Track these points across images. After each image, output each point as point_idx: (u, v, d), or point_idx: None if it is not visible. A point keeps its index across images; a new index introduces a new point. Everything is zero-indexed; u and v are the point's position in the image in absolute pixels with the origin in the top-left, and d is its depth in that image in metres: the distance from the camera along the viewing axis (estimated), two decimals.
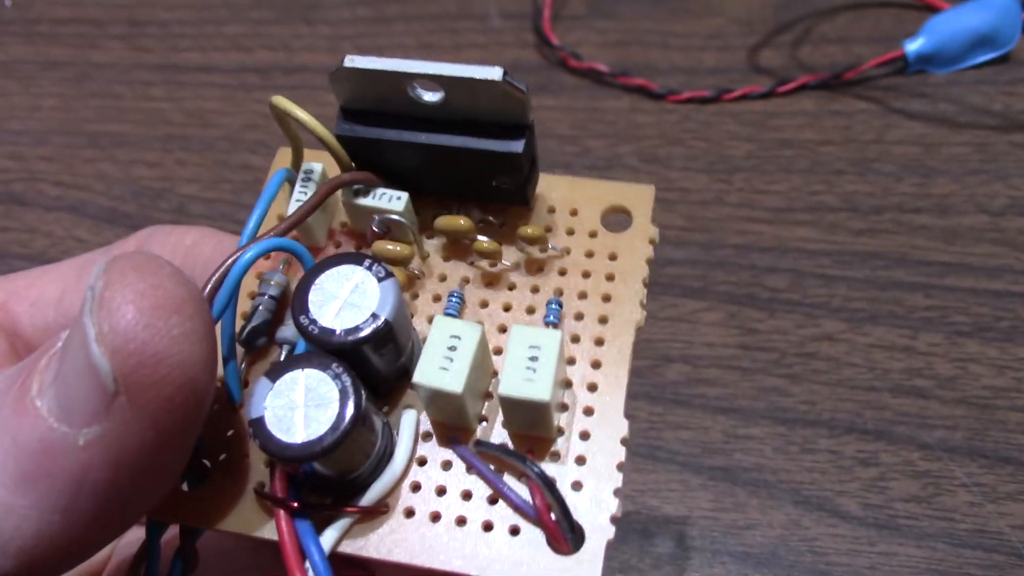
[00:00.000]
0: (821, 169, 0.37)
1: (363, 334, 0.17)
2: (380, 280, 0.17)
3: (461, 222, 0.20)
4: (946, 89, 0.40)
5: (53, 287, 0.22)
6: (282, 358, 0.19)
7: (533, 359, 0.17)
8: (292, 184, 0.21)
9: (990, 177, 0.36)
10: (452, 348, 0.17)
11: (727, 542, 0.28)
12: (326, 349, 0.17)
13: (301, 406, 0.16)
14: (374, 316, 0.17)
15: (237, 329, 0.19)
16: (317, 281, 0.17)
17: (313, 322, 0.17)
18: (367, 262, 0.17)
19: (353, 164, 0.20)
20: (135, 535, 0.18)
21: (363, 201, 0.20)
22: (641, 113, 0.40)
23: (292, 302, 0.17)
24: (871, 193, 0.36)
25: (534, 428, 0.18)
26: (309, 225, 0.20)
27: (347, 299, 0.17)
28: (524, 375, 0.17)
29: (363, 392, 0.16)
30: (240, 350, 0.20)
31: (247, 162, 0.39)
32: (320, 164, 0.21)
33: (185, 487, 0.18)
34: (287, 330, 0.19)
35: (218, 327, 0.17)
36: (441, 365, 0.17)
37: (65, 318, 0.22)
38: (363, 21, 0.45)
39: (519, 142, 0.19)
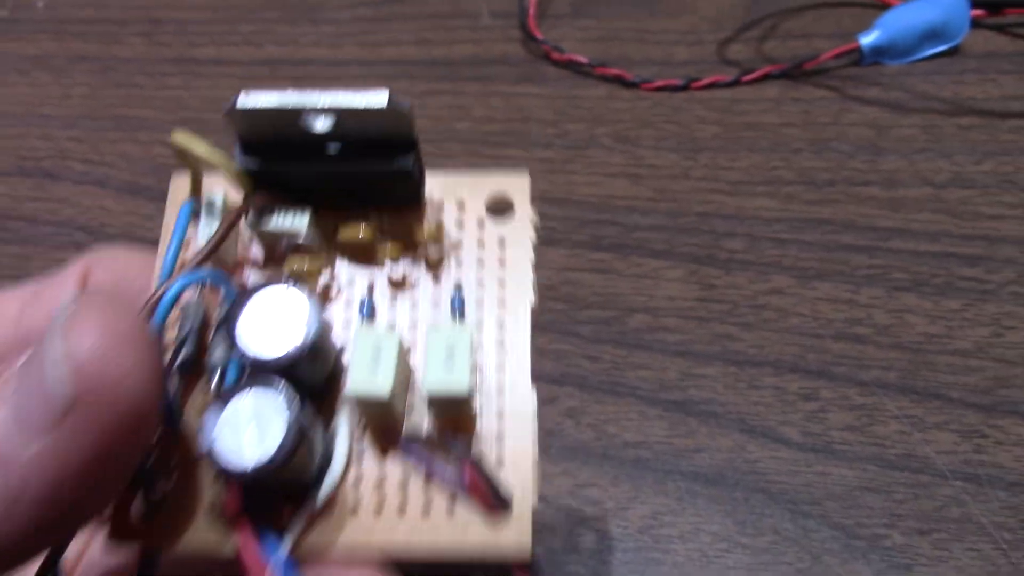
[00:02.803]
0: (781, 148, 0.41)
1: (294, 352, 0.18)
2: (301, 299, 0.18)
3: (360, 234, 0.21)
4: (899, 79, 0.43)
5: (11, 304, 0.23)
6: (213, 383, 0.20)
7: (449, 356, 0.19)
8: (196, 214, 0.22)
9: (936, 155, 0.40)
10: (376, 357, 0.19)
11: (679, 463, 0.31)
12: (264, 371, 0.18)
13: (249, 428, 0.17)
14: (301, 334, 0.18)
15: (168, 356, 0.20)
16: (244, 308, 0.18)
17: (246, 347, 0.18)
18: (287, 283, 0.19)
19: (252, 189, 0.21)
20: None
21: (268, 224, 0.21)
22: (616, 100, 0.44)
23: (223, 330, 0.18)
24: (825, 168, 0.40)
25: (456, 414, 0.20)
26: (219, 251, 0.21)
27: (274, 322, 0.18)
28: (444, 370, 0.18)
29: (306, 406, 0.18)
30: (175, 376, 0.20)
31: None
32: (221, 193, 0.22)
33: (141, 513, 0.19)
34: (215, 354, 0.20)
35: None
36: (368, 373, 0.18)
37: (26, 332, 0.23)
38: (363, 20, 0.49)
39: (408, 158, 0.20)
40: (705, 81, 0.44)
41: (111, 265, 0.24)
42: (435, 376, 0.19)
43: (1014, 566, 0.28)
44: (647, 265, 0.37)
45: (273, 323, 0.18)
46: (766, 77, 0.44)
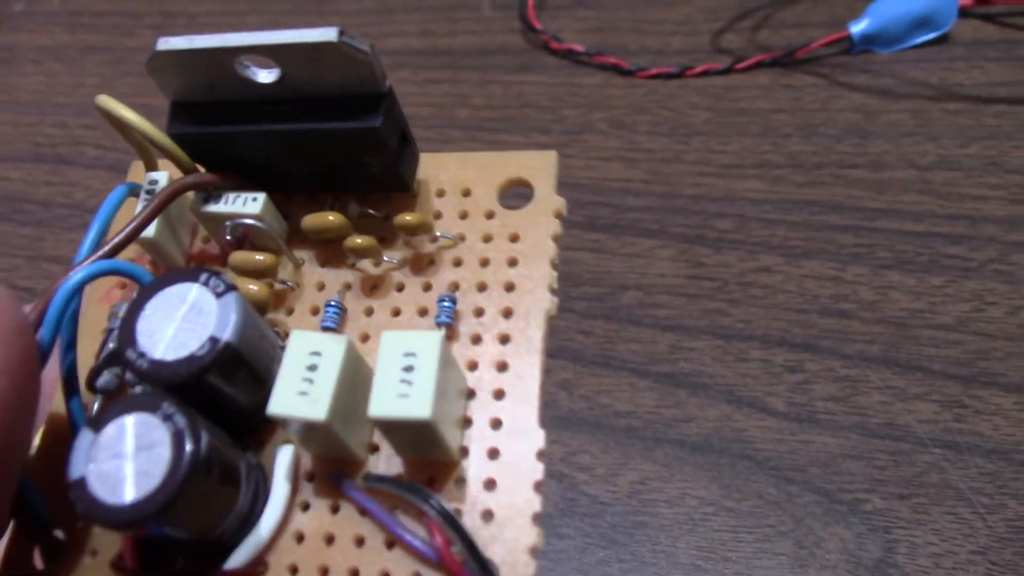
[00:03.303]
0: (771, 133, 0.42)
1: (201, 363, 0.14)
2: (219, 296, 0.15)
3: (330, 218, 0.17)
4: (888, 66, 0.44)
5: None
6: (95, 406, 0.17)
7: (408, 369, 0.14)
8: (135, 196, 0.19)
9: (922, 139, 0.41)
10: (312, 368, 0.14)
11: (667, 432, 0.32)
12: (166, 386, 0.14)
13: (129, 459, 0.13)
14: (213, 340, 0.14)
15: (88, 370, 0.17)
16: (146, 307, 0.15)
17: (142, 355, 0.14)
18: (203, 276, 0.15)
19: (197, 167, 0.18)
20: None
21: (214, 208, 0.17)
22: (612, 87, 0.45)
23: (119, 331, 0.15)
24: (814, 152, 0.41)
25: (429, 452, 0.15)
26: (158, 242, 0.18)
27: (180, 324, 0.14)
28: (398, 390, 0.14)
29: (204, 434, 0.14)
30: (87, 394, 0.17)
31: None
32: (166, 172, 0.19)
33: (40, 565, 0.16)
34: (106, 375, 0.17)
35: (51, 365, 0.15)
36: (300, 389, 0.14)
37: None
38: (368, 11, 0.51)
39: (376, 114, 0.16)
40: (699, 69, 0.45)
41: None
42: (385, 395, 0.14)
43: (991, 529, 0.29)
44: (639, 244, 0.38)
45: (179, 325, 0.14)
46: (758, 65, 0.45)
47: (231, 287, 0.15)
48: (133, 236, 0.17)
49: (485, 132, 0.43)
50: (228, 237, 0.18)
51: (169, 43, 0.16)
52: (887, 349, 0.33)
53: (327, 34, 0.15)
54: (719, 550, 0.29)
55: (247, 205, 0.17)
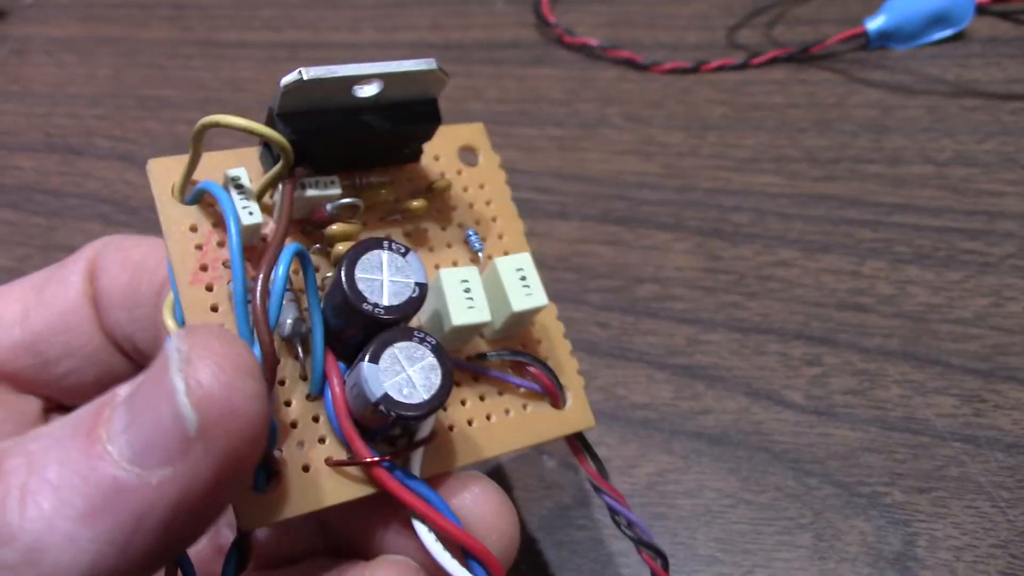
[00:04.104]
0: (787, 128, 0.42)
1: (419, 300, 0.19)
2: (403, 255, 0.20)
3: (383, 192, 0.23)
4: (904, 62, 0.44)
5: (14, 307, 0.23)
6: (300, 352, 0.21)
7: (523, 278, 0.22)
8: (200, 196, 0.21)
9: (939, 134, 0.41)
10: (467, 290, 0.21)
11: (684, 424, 0.32)
12: (390, 323, 0.19)
13: (410, 372, 0.19)
14: (419, 284, 0.19)
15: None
16: (356, 270, 0.19)
17: (376, 305, 0.19)
18: (386, 243, 0.20)
19: (293, 161, 0.21)
20: None
21: (310, 192, 0.21)
22: (627, 82, 0.45)
23: (347, 292, 0.19)
24: (830, 147, 0.41)
25: (519, 331, 0.23)
26: (253, 227, 0.21)
27: (389, 278, 0.19)
28: (523, 292, 0.21)
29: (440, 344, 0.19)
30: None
31: None
32: (243, 169, 0.21)
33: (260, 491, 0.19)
34: (286, 326, 0.21)
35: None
36: (468, 305, 0.21)
37: (33, 335, 0.23)
38: (381, 5, 0.51)
39: (437, 116, 0.22)
40: (714, 64, 0.45)
41: (123, 258, 0.24)
42: (516, 297, 0.21)
43: (1011, 523, 0.29)
44: (656, 237, 0.38)
45: (388, 279, 0.19)
46: (774, 61, 0.45)
47: (408, 248, 0.20)
48: (288, 224, 0.20)
49: (500, 125, 0.43)
50: (327, 214, 0.22)
51: (312, 72, 0.19)
52: (906, 343, 0.33)
53: (429, 64, 0.20)
54: (738, 542, 0.29)
55: (329, 188, 0.21)
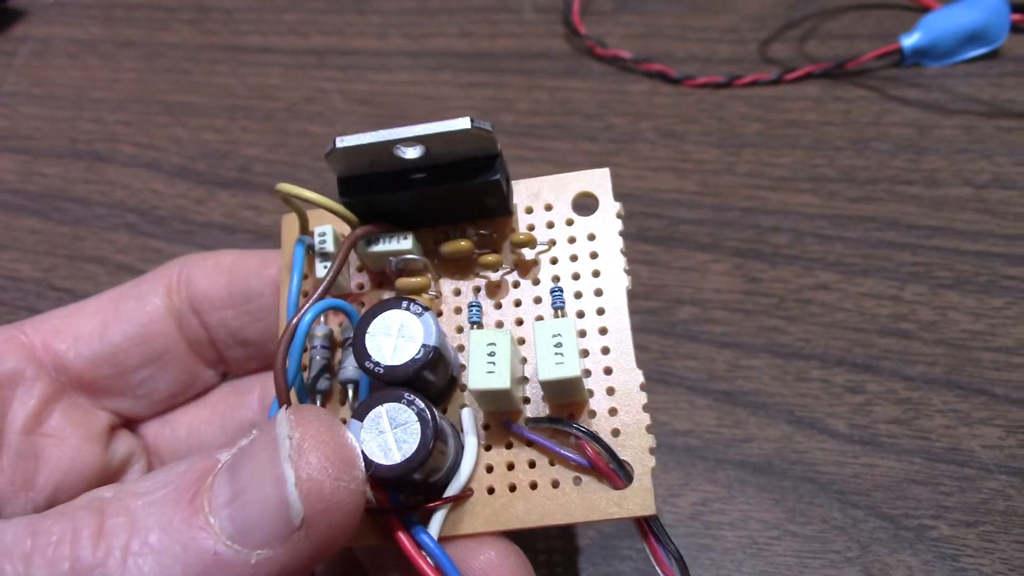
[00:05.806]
0: (823, 146, 0.41)
1: (422, 363, 0.20)
2: (419, 316, 0.20)
3: (462, 244, 0.23)
4: (939, 80, 0.44)
5: (93, 321, 0.25)
6: (349, 396, 0.23)
7: (558, 345, 0.21)
8: (310, 248, 0.24)
9: (977, 156, 0.40)
10: (491, 353, 0.20)
11: (728, 452, 0.32)
12: (392, 382, 0.20)
13: (390, 433, 0.19)
14: (424, 347, 0.20)
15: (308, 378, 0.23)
16: (369, 330, 0.20)
17: (377, 364, 0.20)
18: (404, 303, 0.21)
19: (358, 220, 0.23)
20: None
21: (376, 248, 0.23)
22: (660, 96, 0.44)
23: (354, 350, 0.20)
24: (867, 167, 0.40)
25: (571, 397, 0.22)
26: (341, 281, 0.24)
27: (397, 338, 0.20)
28: (555, 360, 0.20)
29: (434, 409, 0.20)
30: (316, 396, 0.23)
31: (305, 129, 0.44)
32: (329, 226, 0.24)
33: None
34: (347, 371, 0.23)
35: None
36: (487, 369, 0.20)
37: (112, 348, 0.24)
38: (409, 12, 0.50)
39: (494, 171, 0.22)
40: (748, 79, 0.44)
41: (213, 265, 0.26)
42: (547, 363, 0.20)
43: None
44: (693, 258, 0.37)
45: (397, 339, 0.20)
46: (808, 76, 0.44)
47: (426, 308, 0.20)
48: (335, 278, 0.22)
49: (532, 138, 0.43)
50: (394, 268, 0.23)
51: (345, 141, 0.20)
52: (949, 371, 0.33)
53: (462, 123, 0.20)
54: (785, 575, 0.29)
55: (400, 243, 0.23)
